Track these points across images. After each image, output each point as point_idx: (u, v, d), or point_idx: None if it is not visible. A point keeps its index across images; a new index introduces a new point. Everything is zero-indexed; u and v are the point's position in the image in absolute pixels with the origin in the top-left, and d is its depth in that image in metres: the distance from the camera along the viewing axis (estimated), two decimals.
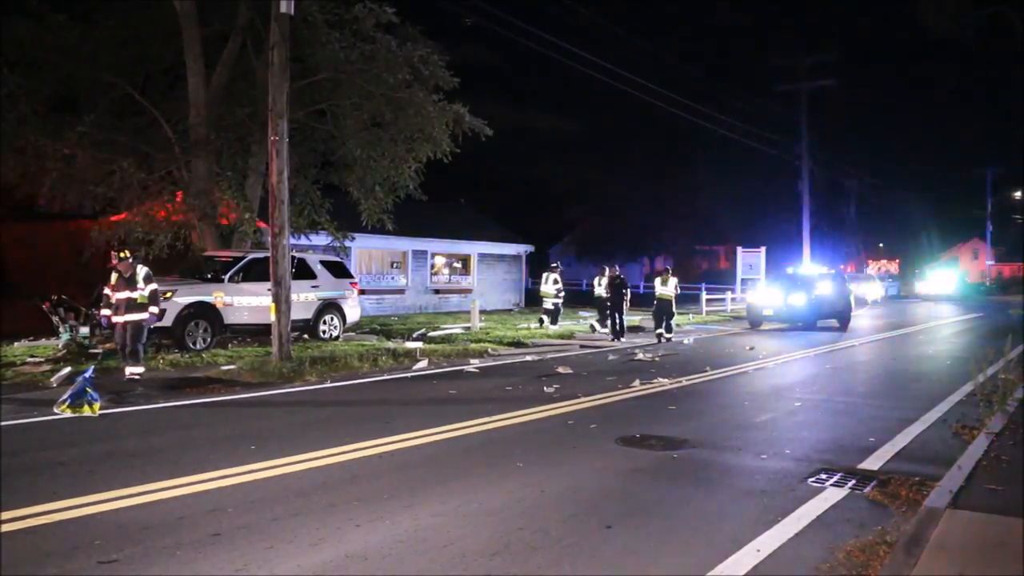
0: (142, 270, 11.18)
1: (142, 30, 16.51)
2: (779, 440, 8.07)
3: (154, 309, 11.15)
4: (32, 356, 13.08)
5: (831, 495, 6.07)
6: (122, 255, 11.21)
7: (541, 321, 21.15)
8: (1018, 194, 67.06)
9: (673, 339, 18.89)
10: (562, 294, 21.00)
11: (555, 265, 21.76)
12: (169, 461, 6.66)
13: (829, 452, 7.55)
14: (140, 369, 10.95)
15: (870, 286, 40.76)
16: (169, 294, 13.82)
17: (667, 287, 19.10)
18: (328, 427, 8.35)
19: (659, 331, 18.89)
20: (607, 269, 20.94)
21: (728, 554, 4.76)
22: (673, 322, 19.37)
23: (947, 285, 51.98)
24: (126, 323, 10.98)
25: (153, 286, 11.13)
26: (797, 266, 30.85)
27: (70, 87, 16.64)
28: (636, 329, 21.92)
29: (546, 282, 21.11)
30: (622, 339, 18.68)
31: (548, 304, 21.17)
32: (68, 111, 16.48)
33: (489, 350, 15.94)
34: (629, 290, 19.96)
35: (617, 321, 18.96)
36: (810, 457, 7.30)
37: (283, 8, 12.53)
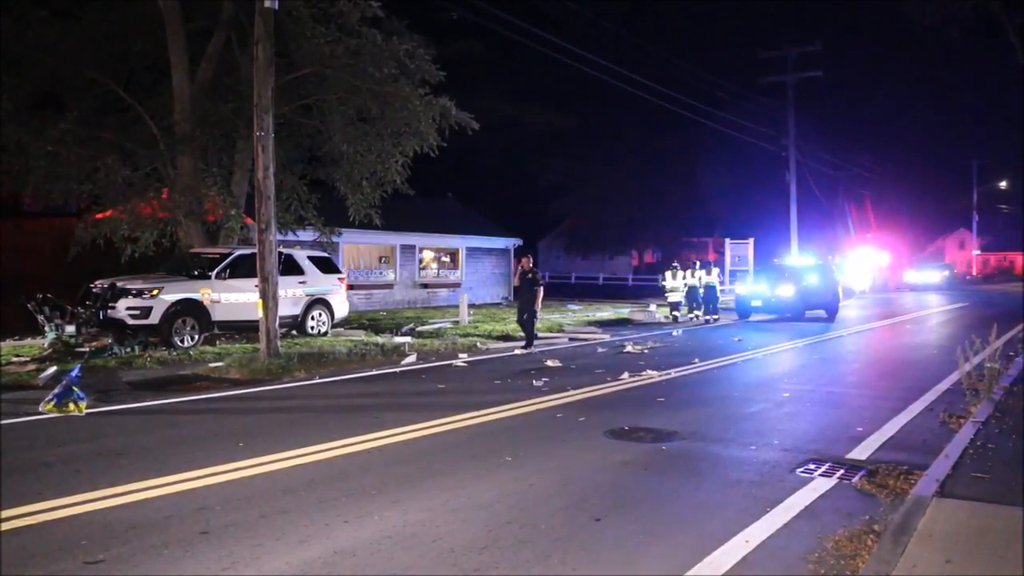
0: None
1: (125, 25, 16.37)
2: (768, 431, 8.10)
3: None
4: (18, 355, 12.99)
5: (819, 485, 6.09)
6: None
7: (674, 317, 22.64)
8: (1003, 184, 67.54)
9: (720, 318, 22.75)
10: (687, 286, 22.93)
11: (676, 265, 23.85)
12: (156, 459, 6.62)
13: (817, 442, 7.59)
14: None
15: (858, 276, 40.95)
16: (155, 291, 13.76)
17: (711, 276, 23.31)
18: (316, 423, 8.31)
19: (707, 316, 22.73)
20: (697, 263, 24.04)
21: (717, 545, 4.77)
22: (718, 304, 23.44)
23: (934, 275, 52.42)
24: None
25: None
26: (785, 257, 30.95)
27: (53, 84, 16.48)
28: (625, 322, 22.08)
29: (673, 278, 22.78)
30: (532, 347, 15.26)
31: (674, 297, 22.77)
32: (51, 108, 16.33)
33: (478, 344, 15.93)
34: (543, 286, 16.05)
35: (528, 323, 15.53)
36: (799, 448, 7.34)
37: (267, 3, 12.44)
